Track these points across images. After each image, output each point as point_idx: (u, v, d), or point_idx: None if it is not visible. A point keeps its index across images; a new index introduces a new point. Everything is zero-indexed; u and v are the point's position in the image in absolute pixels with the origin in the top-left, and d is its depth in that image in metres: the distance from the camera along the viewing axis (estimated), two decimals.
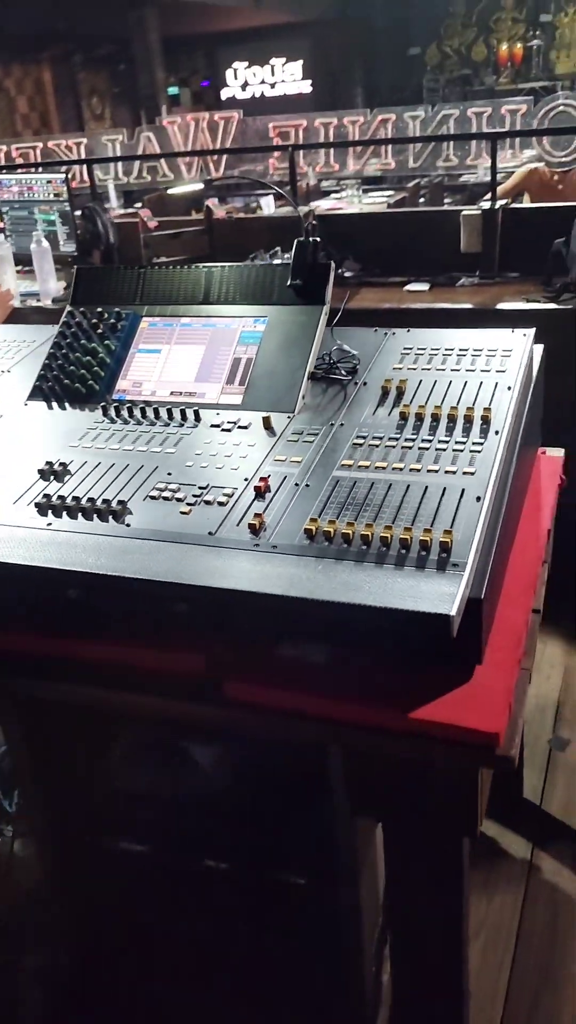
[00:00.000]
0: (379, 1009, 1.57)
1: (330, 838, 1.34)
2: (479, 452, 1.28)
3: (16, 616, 1.28)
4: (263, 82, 16.44)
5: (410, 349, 1.58)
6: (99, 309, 1.68)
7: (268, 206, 5.18)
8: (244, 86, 16.47)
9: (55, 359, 1.65)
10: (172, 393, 1.55)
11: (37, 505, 1.32)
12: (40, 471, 1.40)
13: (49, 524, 1.28)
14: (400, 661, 1.11)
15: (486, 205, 3.12)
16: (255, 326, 1.58)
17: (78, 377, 1.60)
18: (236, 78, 16.42)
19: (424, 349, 1.56)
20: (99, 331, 1.66)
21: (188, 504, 1.27)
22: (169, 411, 1.50)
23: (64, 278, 3.61)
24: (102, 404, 1.55)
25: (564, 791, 2.27)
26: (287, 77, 16.34)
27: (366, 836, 1.42)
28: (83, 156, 3.57)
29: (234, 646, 1.17)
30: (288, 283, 1.58)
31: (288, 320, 1.56)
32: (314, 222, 1.45)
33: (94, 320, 1.67)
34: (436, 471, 1.26)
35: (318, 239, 1.59)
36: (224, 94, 16.34)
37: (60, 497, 1.32)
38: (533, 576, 1.35)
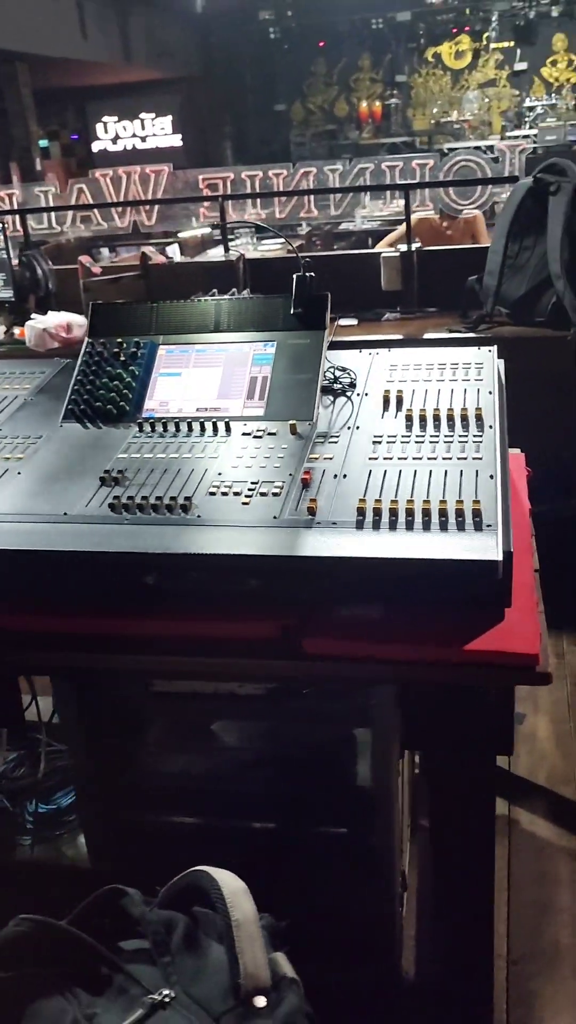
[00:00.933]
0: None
1: (377, 774, 1.56)
2: (481, 442, 1.56)
3: (107, 599, 1.44)
4: (134, 135, 16.82)
5: (396, 365, 1.85)
6: (118, 340, 1.88)
7: (175, 254, 5.44)
8: (115, 140, 16.80)
9: (83, 384, 1.83)
10: (198, 409, 1.76)
11: (111, 506, 1.50)
12: (101, 478, 1.58)
13: (126, 520, 1.47)
14: (449, 607, 1.35)
15: (403, 248, 3.49)
16: (265, 349, 1.81)
17: (109, 399, 1.79)
18: (107, 132, 16.73)
19: (408, 364, 1.84)
20: (121, 359, 1.85)
21: (246, 497, 1.48)
22: (201, 424, 1.71)
23: (2, 322, 3.74)
24: (138, 421, 1.75)
25: (527, 757, 2.56)
26: (157, 131, 16.78)
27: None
28: (15, 207, 3.73)
29: (308, 609, 1.39)
30: (291, 311, 1.83)
31: (294, 343, 1.80)
32: (306, 261, 1.67)
33: (115, 349, 1.87)
34: (450, 459, 1.52)
35: (312, 275, 1.85)
36: (95, 147, 16.61)
37: (129, 498, 1.51)
38: (528, 542, 1.63)
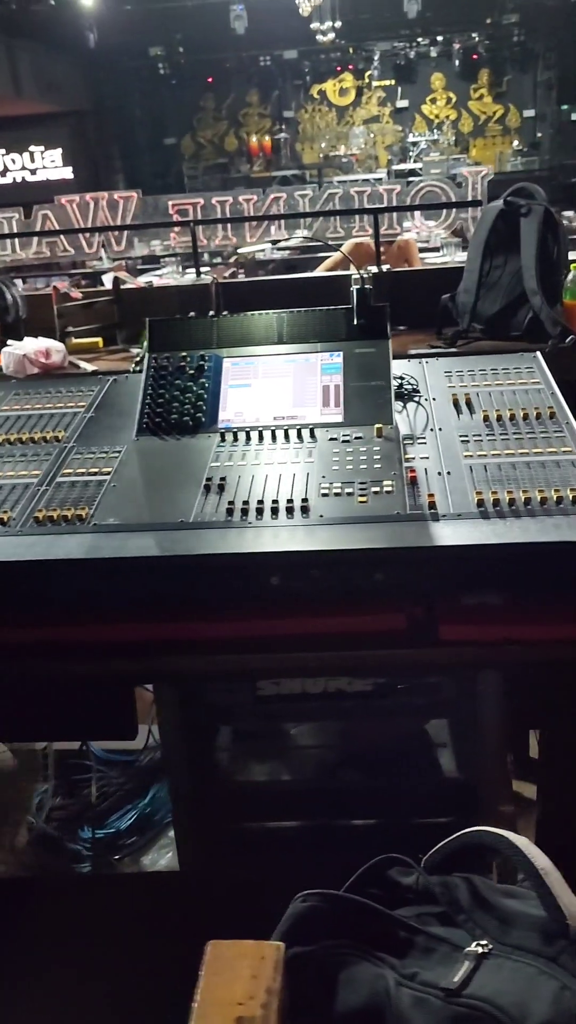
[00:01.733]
0: None
1: (482, 760, 1.62)
2: (563, 437, 1.66)
3: (238, 601, 1.46)
4: (23, 168, 16.60)
5: (450, 372, 1.95)
6: (182, 354, 1.90)
7: (107, 282, 5.44)
8: (4, 172, 16.53)
9: (153, 399, 1.84)
10: (275, 418, 1.80)
11: (228, 511, 1.52)
12: (205, 486, 1.60)
13: (249, 524, 1.49)
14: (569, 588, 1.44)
15: (374, 269, 3.62)
16: (331, 358, 1.88)
17: (183, 411, 1.81)
18: None
19: (461, 371, 1.94)
20: (188, 372, 1.88)
21: (361, 496, 1.54)
22: (285, 432, 1.75)
23: None
24: (218, 431, 1.77)
25: None
26: (48, 164, 16.62)
27: None
28: None
29: (434, 598, 1.45)
30: (353, 322, 1.90)
31: (361, 352, 1.88)
32: (368, 278, 1.76)
33: (180, 364, 1.89)
34: (540, 452, 1.62)
35: (370, 287, 1.93)
36: None
37: (244, 503, 1.53)
38: None
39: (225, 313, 1.96)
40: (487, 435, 1.69)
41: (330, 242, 4.16)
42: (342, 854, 1.62)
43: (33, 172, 16.61)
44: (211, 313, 2.02)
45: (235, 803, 1.77)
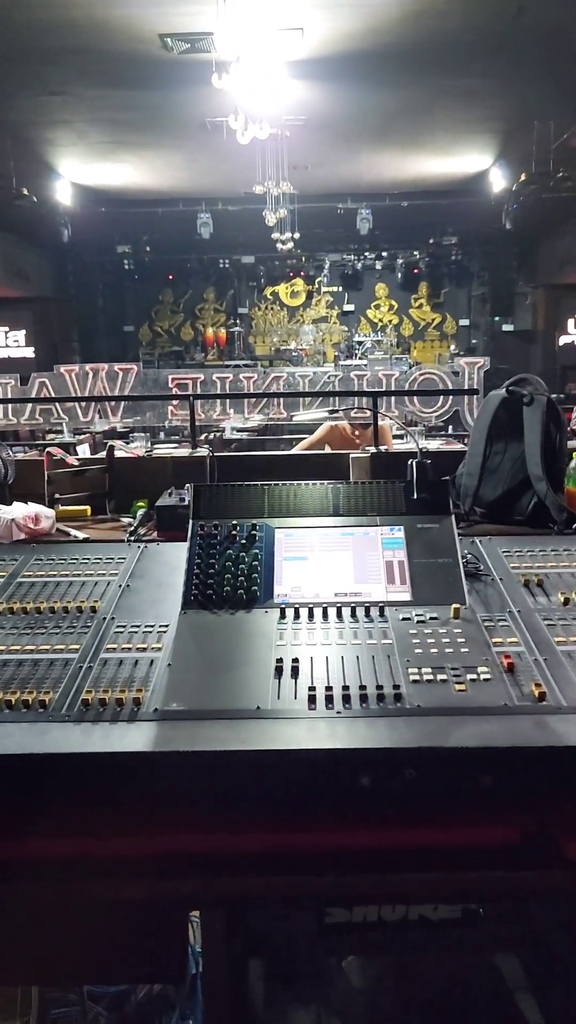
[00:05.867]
0: None
1: None
2: None
3: (319, 805, 1.25)
4: None
5: (508, 551, 1.85)
6: (232, 522, 1.77)
7: (84, 451, 5.39)
8: None
9: (202, 568, 1.68)
10: (336, 595, 1.65)
11: (310, 698, 1.33)
12: (276, 667, 1.41)
13: (334, 713, 1.30)
14: None
15: (372, 449, 3.63)
16: (392, 533, 1.76)
17: (237, 584, 1.65)
18: None
19: (521, 550, 1.85)
20: (239, 541, 1.73)
21: (457, 683, 1.37)
22: (352, 609, 1.60)
23: None
24: (278, 606, 1.61)
25: None
26: (11, 343, 17.12)
27: None
28: None
29: (553, 805, 1.26)
30: (413, 496, 1.81)
31: (423, 527, 1.77)
32: (423, 449, 1.70)
33: (230, 532, 1.75)
34: None
35: (429, 460, 1.86)
36: None
37: (328, 688, 1.35)
38: None
39: (279, 483, 1.85)
40: (573, 618, 1.57)
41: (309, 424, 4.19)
42: None
43: None
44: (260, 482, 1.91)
45: None
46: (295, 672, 1.41)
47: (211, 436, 7.41)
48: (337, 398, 3.74)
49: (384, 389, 3.74)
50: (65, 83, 7.91)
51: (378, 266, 17.60)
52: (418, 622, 1.56)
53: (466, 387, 3.62)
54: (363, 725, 1.27)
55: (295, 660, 1.43)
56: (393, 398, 3.48)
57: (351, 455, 3.72)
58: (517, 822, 1.25)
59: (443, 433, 7.19)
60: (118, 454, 3.61)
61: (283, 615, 1.59)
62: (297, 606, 1.60)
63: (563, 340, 14.94)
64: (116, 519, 3.64)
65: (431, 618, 1.57)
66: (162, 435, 7.13)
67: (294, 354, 17.44)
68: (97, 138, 10.21)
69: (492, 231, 14.92)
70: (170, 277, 17.71)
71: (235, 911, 1.36)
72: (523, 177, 10.97)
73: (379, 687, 1.35)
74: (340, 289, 17.94)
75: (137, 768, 1.24)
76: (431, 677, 1.38)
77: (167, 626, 1.57)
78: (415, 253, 17.34)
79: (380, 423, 5.46)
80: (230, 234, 15.33)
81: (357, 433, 5.52)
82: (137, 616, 1.61)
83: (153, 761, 1.23)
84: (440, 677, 1.38)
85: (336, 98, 8.57)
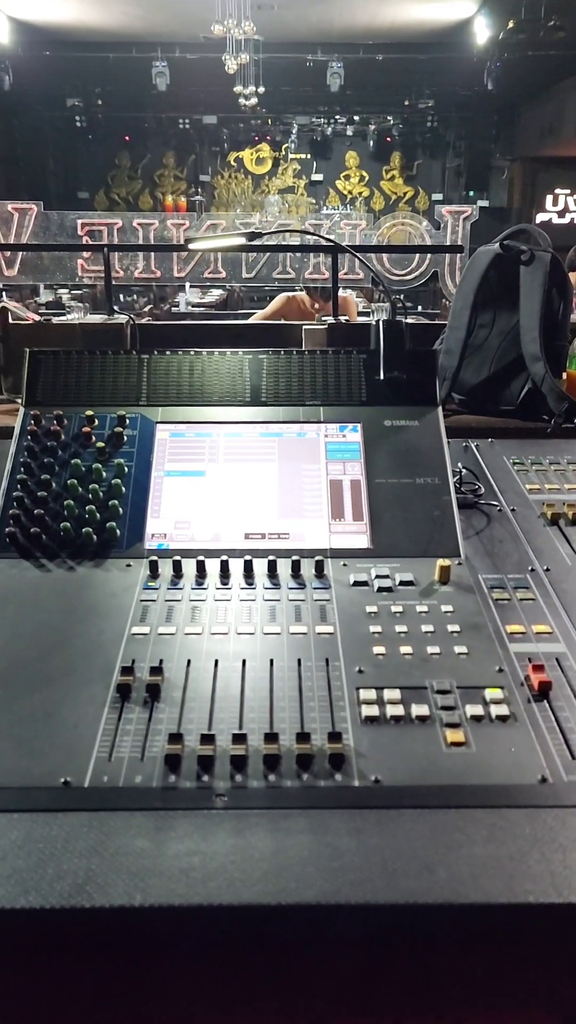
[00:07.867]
0: None
1: None
2: None
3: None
4: None
5: (522, 463, 1.20)
6: (86, 413, 1.09)
7: None
8: None
9: (28, 488, 1.01)
10: (248, 537, 1.00)
11: (169, 761, 0.70)
12: (118, 687, 0.77)
13: (221, 792, 0.67)
14: None
15: (329, 319, 2.93)
16: (343, 435, 1.10)
17: (81, 516, 0.99)
18: None
19: (531, 457, 1.21)
20: (93, 446, 1.06)
21: (448, 726, 0.74)
22: (270, 565, 0.94)
23: None
24: (147, 557, 0.95)
25: None
26: None
27: None
28: None
29: None
30: (380, 376, 1.13)
31: (394, 425, 1.10)
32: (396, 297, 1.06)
33: (81, 431, 1.07)
34: None
35: (407, 320, 1.18)
36: None
37: (205, 737, 0.71)
38: None
39: (159, 351, 1.16)
40: None
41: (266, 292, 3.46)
42: None
43: None
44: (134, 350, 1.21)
45: None
46: (153, 694, 0.76)
47: (164, 310, 6.62)
48: (288, 254, 2.99)
49: (347, 244, 3.01)
50: None
51: (349, 132, 16.24)
52: (381, 590, 0.92)
53: (448, 243, 2.89)
54: (263, 832, 0.64)
55: (156, 668, 0.79)
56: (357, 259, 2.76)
57: (304, 326, 3.00)
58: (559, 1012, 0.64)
59: (414, 310, 6.38)
60: (13, 320, 2.87)
61: (155, 572, 0.94)
62: (180, 557, 0.95)
63: (540, 218, 13.92)
64: (12, 400, 2.92)
65: (403, 583, 0.93)
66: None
67: (258, 227, 16.28)
68: None
69: (471, 94, 13.66)
70: (127, 138, 16.20)
71: None
72: (511, 24, 9.76)
73: (303, 735, 0.71)
74: (308, 156, 16.61)
75: None
76: (399, 711, 0.75)
77: None
78: (388, 119, 16.02)
79: (343, 293, 4.73)
80: (190, 89, 13.84)
81: (318, 306, 4.78)
82: None
83: None
84: (417, 711, 0.75)
85: None
